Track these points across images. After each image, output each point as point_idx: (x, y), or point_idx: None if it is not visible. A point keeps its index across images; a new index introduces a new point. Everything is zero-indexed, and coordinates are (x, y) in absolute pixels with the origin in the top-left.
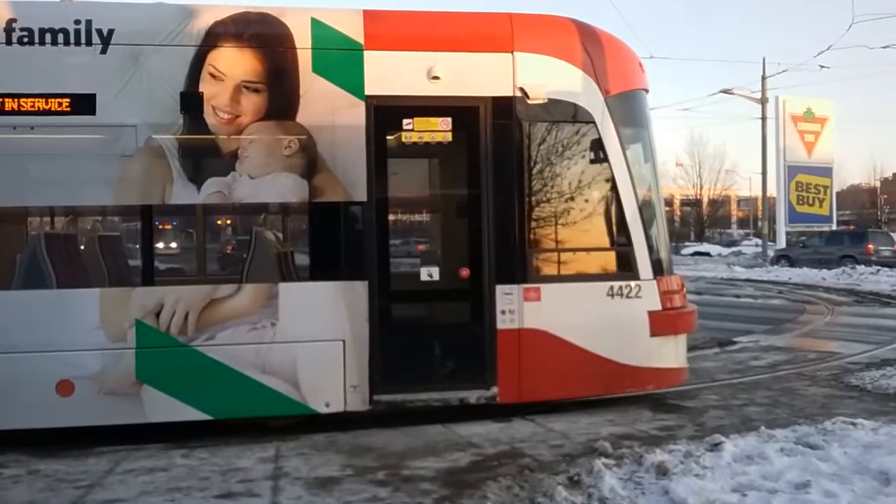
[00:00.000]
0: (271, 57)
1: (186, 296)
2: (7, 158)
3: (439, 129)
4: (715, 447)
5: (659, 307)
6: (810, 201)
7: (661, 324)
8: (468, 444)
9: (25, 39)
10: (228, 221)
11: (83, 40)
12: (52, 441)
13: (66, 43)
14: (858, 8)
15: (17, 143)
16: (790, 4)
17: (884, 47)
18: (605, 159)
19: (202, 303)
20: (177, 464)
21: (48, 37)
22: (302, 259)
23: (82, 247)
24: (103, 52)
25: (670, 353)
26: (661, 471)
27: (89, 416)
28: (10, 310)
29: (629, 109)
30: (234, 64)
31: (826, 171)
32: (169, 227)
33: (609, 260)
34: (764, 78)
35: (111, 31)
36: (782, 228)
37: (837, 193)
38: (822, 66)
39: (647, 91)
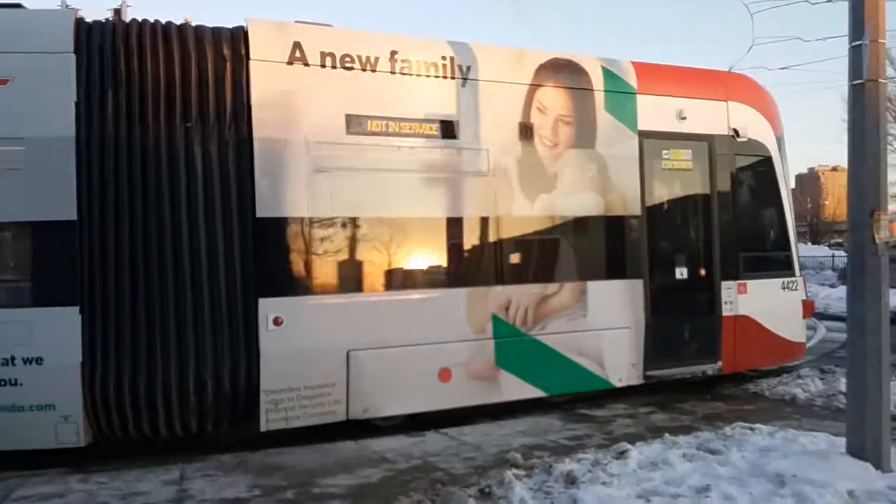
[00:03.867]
0: (578, 97)
1: (526, 294)
2: (389, 174)
3: (684, 158)
4: (621, 455)
5: (805, 296)
6: None
7: (807, 309)
8: (381, 460)
9: (406, 70)
10: (550, 230)
11: (448, 74)
12: None
13: (436, 75)
14: (759, 30)
15: (398, 160)
16: (703, 25)
17: (782, 68)
18: (776, 185)
19: (536, 299)
20: (73, 489)
21: (422, 68)
22: (600, 262)
23: (450, 252)
24: (463, 85)
25: (804, 331)
26: (570, 479)
27: (461, 399)
28: (397, 309)
29: (783, 146)
30: (553, 101)
31: None
32: (512, 235)
33: (781, 261)
34: None
35: (469, 68)
36: None
37: None
38: None
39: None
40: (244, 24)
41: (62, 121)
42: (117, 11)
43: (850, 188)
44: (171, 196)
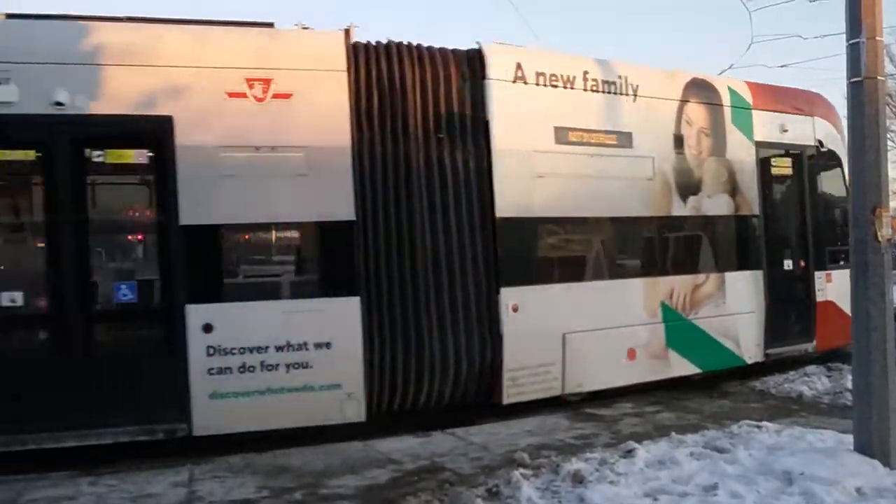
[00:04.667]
0: (713, 111)
1: (684, 283)
2: (586, 179)
3: (786, 165)
4: (628, 454)
5: None
6: None
7: None
8: (388, 461)
9: (594, 87)
10: (698, 227)
11: (623, 91)
12: None
13: (615, 92)
14: (757, 28)
15: (592, 166)
16: (697, 25)
17: (781, 66)
18: (846, 186)
19: (691, 288)
20: (84, 492)
21: (606, 86)
22: (733, 255)
23: (631, 247)
24: (634, 101)
25: None
26: (577, 479)
27: (642, 375)
28: (598, 296)
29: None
30: (696, 115)
31: None
32: (671, 231)
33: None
34: None
35: (638, 86)
36: None
37: None
38: None
39: None
40: (477, 46)
41: (339, 131)
42: (347, 31)
43: (852, 185)
44: (429, 199)
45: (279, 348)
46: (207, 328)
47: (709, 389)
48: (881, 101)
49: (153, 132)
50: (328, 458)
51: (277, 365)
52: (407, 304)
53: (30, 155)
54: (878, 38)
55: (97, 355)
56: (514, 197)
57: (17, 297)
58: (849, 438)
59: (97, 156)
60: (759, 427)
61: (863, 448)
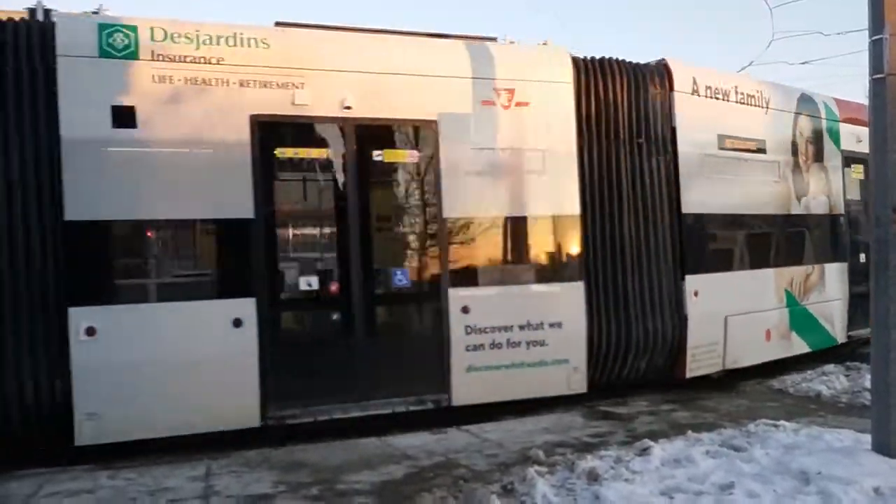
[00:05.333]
0: (815, 123)
1: (799, 273)
2: (738, 181)
3: (860, 171)
4: (644, 452)
5: None
6: None
7: None
8: (404, 457)
9: (742, 100)
10: (807, 223)
11: (760, 104)
12: None
13: (754, 105)
14: (778, 25)
15: (742, 169)
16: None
17: (803, 63)
18: None
19: (804, 277)
20: (103, 485)
21: (749, 99)
22: (827, 248)
23: (767, 240)
24: (766, 112)
25: None
26: (593, 477)
27: (773, 354)
28: (747, 283)
29: None
30: (805, 126)
31: None
32: (790, 227)
33: None
34: None
35: (769, 99)
36: None
37: None
38: None
39: None
40: (663, 61)
41: (567, 135)
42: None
43: (873, 183)
44: (633, 196)
45: (521, 327)
46: (465, 310)
47: (725, 388)
48: None
49: (422, 134)
50: (344, 454)
51: (520, 342)
52: (618, 288)
53: (322, 153)
54: None
55: (378, 334)
56: (692, 195)
57: (313, 282)
58: (867, 438)
59: (377, 155)
60: (776, 426)
61: (881, 448)
